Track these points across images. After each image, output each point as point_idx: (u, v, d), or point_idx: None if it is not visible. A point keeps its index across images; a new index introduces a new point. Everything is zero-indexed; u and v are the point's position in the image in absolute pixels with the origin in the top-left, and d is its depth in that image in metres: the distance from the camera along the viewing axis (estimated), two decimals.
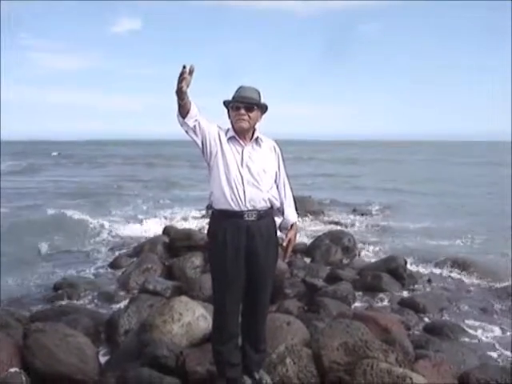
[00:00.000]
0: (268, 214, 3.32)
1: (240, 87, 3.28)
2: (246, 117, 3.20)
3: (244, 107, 3.20)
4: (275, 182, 3.40)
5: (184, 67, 2.87)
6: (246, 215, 3.19)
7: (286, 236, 3.45)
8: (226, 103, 3.30)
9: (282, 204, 3.41)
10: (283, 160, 3.47)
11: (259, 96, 3.29)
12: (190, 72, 2.91)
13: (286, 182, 3.47)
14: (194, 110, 3.12)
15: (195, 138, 3.20)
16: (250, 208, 3.20)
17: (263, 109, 3.32)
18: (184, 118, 3.12)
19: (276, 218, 3.44)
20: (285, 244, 3.44)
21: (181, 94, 2.97)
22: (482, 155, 57.61)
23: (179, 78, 2.90)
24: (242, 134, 3.26)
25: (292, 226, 3.45)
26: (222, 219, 3.23)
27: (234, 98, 3.26)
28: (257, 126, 3.33)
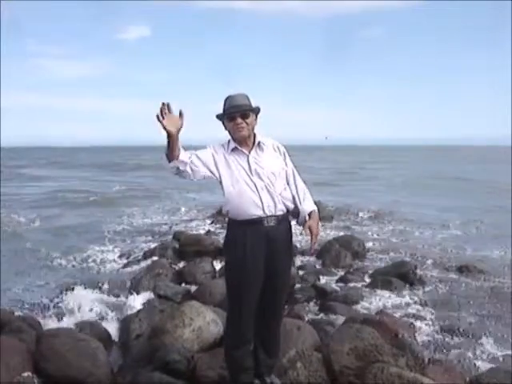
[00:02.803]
0: (285, 218, 3.27)
1: (228, 97, 3.23)
2: (243, 124, 3.17)
3: (239, 115, 3.16)
4: (286, 179, 3.32)
5: (163, 104, 2.87)
6: (265, 221, 3.16)
7: (304, 226, 3.25)
8: (220, 116, 3.26)
9: (294, 200, 3.30)
10: (289, 155, 3.39)
11: (249, 100, 3.23)
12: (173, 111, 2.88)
13: (297, 175, 3.38)
14: (183, 153, 3.08)
15: (196, 177, 3.17)
16: (268, 214, 3.17)
17: (257, 112, 3.27)
18: (172, 160, 3.07)
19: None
20: (307, 233, 3.25)
21: (171, 137, 2.93)
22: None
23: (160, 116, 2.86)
24: (243, 141, 3.23)
25: (310, 214, 3.29)
26: (241, 227, 3.19)
27: (225, 109, 3.21)
28: (255, 131, 3.28)
